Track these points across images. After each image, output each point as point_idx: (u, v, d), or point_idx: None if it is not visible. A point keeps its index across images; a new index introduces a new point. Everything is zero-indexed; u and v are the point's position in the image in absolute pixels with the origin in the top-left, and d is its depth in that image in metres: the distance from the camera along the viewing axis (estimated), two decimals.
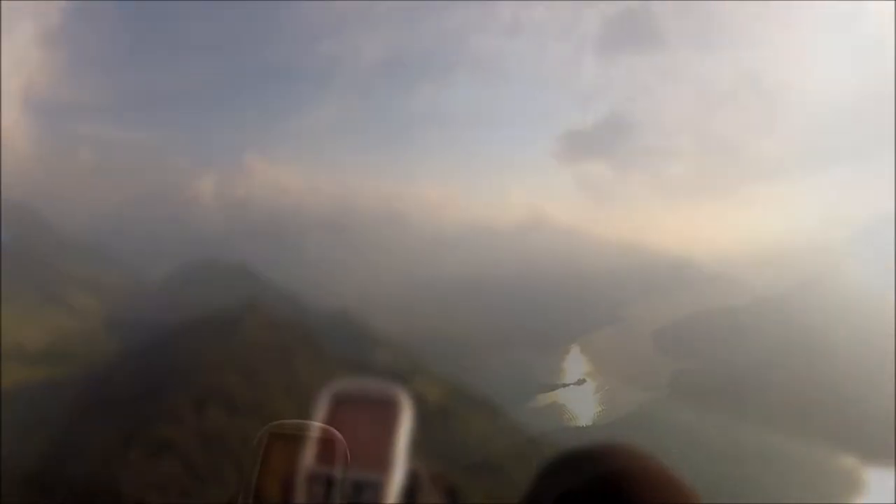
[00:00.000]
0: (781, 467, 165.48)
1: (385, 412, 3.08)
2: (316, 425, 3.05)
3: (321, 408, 3.09)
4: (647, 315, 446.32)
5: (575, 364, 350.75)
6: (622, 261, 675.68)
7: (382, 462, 2.96)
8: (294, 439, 3.00)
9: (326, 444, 3.00)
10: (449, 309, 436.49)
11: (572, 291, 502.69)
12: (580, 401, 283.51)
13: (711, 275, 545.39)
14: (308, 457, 2.96)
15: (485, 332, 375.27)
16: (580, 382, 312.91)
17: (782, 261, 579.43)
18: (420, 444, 3.06)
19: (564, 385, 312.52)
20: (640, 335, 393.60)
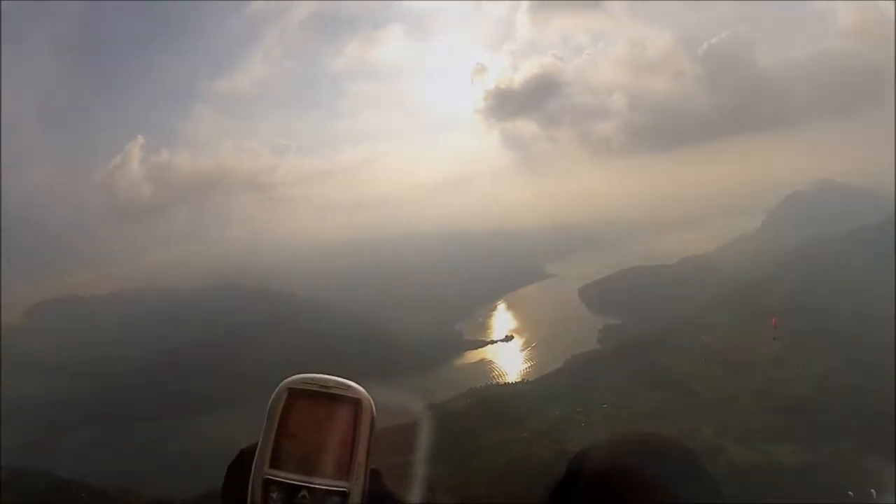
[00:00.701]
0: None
1: (348, 412, 2.96)
2: (337, 380, 3.00)
3: (276, 405, 2.93)
4: (574, 272, 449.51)
5: (502, 321, 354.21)
6: (549, 218, 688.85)
7: (347, 469, 2.86)
8: (314, 396, 2.94)
9: (349, 402, 2.94)
10: (375, 268, 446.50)
11: (499, 249, 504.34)
12: (508, 357, 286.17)
13: (639, 233, 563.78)
14: (328, 417, 2.91)
15: (411, 290, 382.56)
16: (508, 339, 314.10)
17: (712, 220, 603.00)
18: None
19: (493, 342, 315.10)
20: (567, 291, 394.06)
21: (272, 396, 2.92)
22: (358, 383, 2.73)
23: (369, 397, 2.97)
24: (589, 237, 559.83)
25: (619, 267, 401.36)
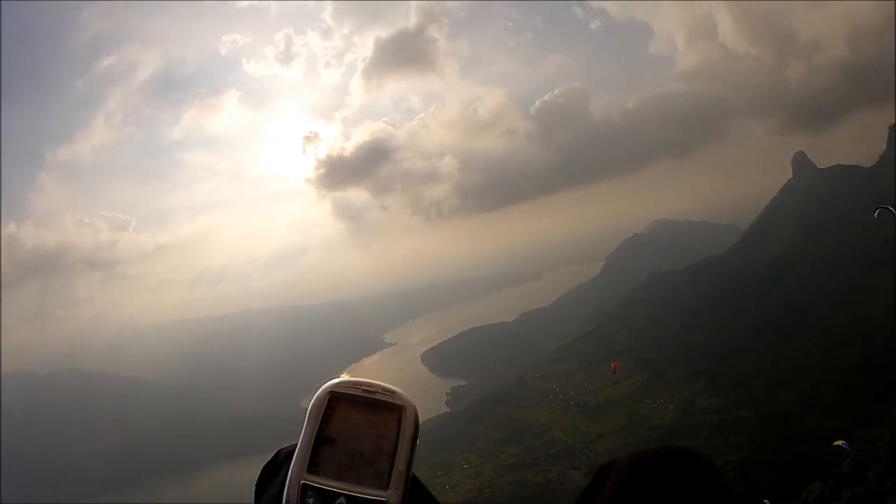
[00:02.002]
0: None
1: (391, 419, 2.80)
2: (382, 385, 2.87)
3: (317, 408, 2.81)
4: (414, 338, 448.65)
5: None
6: (384, 286, 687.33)
7: (387, 478, 2.72)
8: (357, 401, 2.81)
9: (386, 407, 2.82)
10: (218, 347, 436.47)
11: (338, 320, 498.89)
12: None
13: (476, 293, 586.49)
14: (370, 423, 2.78)
15: (254, 368, 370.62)
16: None
17: (549, 274, 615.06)
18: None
19: None
20: (409, 359, 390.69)
21: (313, 399, 2.81)
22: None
23: (414, 405, 2.82)
24: (425, 302, 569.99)
25: (459, 329, 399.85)
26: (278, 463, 3.00)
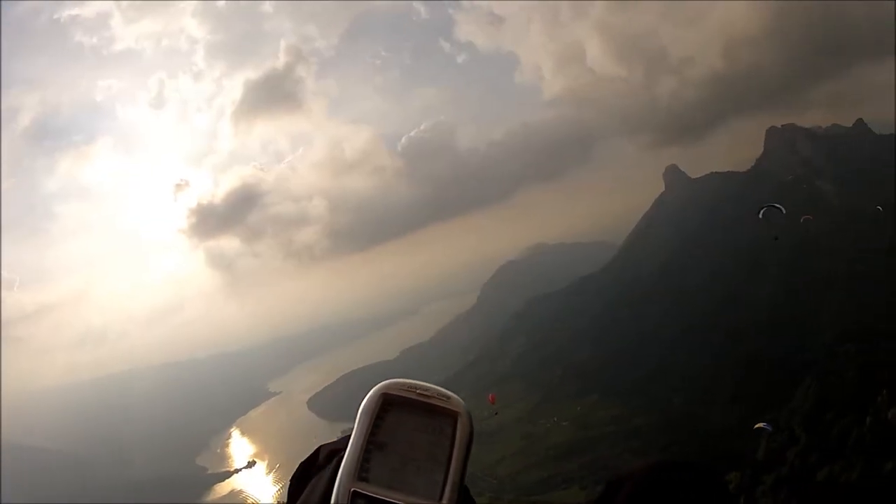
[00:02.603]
0: None
1: (446, 426, 2.65)
2: (438, 389, 2.70)
3: (369, 410, 2.63)
4: (298, 385, 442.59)
5: (241, 448, 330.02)
6: (263, 335, 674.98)
7: (441, 488, 2.57)
8: (411, 405, 2.65)
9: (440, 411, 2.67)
10: (107, 410, 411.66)
11: (221, 373, 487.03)
12: (257, 483, 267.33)
13: (355, 334, 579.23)
14: (424, 428, 2.63)
15: (145, 429, 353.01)
16: (251, 465, 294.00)
17: (426, 308, 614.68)
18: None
19: (237, 470, 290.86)
20: (296, 406, 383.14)
21: (364, 400, 2.63)
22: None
23: (469, 412, 2.66)
24: (306, 348, 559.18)
25: (341, 372, 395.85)
26: (319, 462, 2.88)
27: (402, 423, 2.60)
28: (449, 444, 2.58)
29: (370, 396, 2.64)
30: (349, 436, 2.63)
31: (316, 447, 2.97)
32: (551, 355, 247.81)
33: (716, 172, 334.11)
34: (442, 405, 2.65)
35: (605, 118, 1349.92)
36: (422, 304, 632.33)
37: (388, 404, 2.62)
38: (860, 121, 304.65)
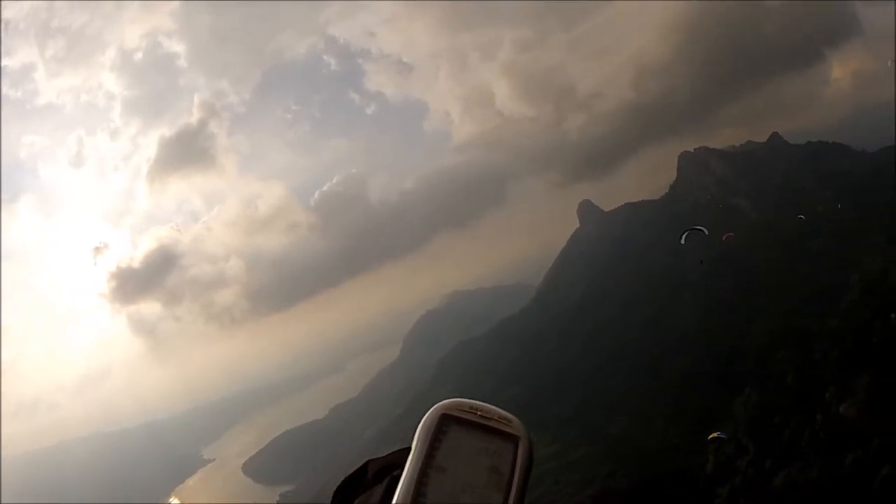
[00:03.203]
0: None
1: (506, 450, 2.50)
2: (499, 412, 2.60)
3: (427, 431, 2.51)
4: (231, 450, 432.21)
5: None
6: (192, 401, 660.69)
7: None
8: (471, 426, 2.53)
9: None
10: (38, 486, 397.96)
11: (153, 442, 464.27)
12: None
13: (283, 395, 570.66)
14: (484, 452, 2.49)
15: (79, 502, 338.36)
16: None
17: (351, 364, 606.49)
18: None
19: None
20: (231, 471, 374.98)
21: (423, 420, 2.53)
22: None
23: (530, 436, 2.55)
24: (236, 411, 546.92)
25: (272, 434, 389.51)
26: (368, 478, 2.76)
27: (461, 445, 2.48)
28: (509, 470, 2.43)
29: (429, 416, 2.53)
30: (400, 451, 2.57)
31: (364, 461, 2.85)
32: (484, 395, 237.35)
33: (629, 203, 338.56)
34: (503, 428, 2.52)
35: (516, 159, 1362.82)
36: (346, 360, 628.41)
37: (446, 425, 2.51)
38: (775, 134, 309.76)
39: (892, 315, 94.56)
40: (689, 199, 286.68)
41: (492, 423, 2.50)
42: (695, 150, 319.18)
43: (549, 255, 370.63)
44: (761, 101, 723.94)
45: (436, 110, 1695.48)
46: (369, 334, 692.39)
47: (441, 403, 2.57)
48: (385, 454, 2.74)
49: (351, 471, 2.81)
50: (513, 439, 2.48)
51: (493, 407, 2.58)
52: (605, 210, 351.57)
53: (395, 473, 2.49)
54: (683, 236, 63.61)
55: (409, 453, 2.46)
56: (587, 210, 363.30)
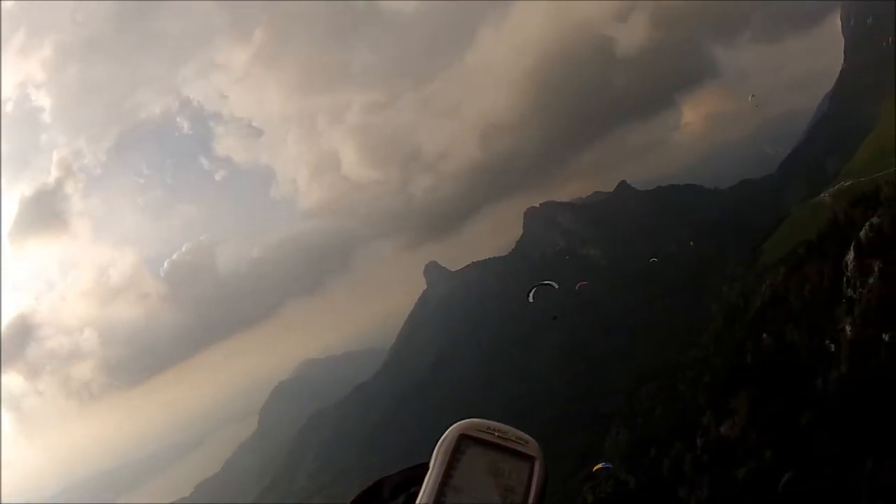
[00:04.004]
0: None
1: (522, 471, 2.48)
2: (516, 432, 2.54)
3: (445, 451, 2.51)
4: None
5: None
6: (59, 481, 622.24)
7: None
8: (488, 446, 2.51)
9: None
10: None
11: None
12: None
13: (143, 473, 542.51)
14: (500, 472, 2.48)
15: None
16: None
17: (211, 437, 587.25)
18: None
19: None
20: None
21: (441, 440, 2.52)
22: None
23: (543, 456, 2.50)
24: (99, 495, 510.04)
25: None
26: (383, 497, 2.70)
27: (479, 464, 2.49)
28: (524, 490, 2.44)
29: (447, 436, 2.53)
30: (412, 468, 2.58)
31: (376, 480, 2.76)
32: (343, 468, 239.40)
33: (476, 261, 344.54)
34: (519, 449, 2.50)
35: (363, 223, 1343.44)
36: (206, 434, 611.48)
37: (465, 445, 2.51)
38: (623, 182, 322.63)
39: (764, 335, 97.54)
40: (536, 252, 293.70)
41: (509, 444, 2.49)
42: (540, 204, 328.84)
43: (398, 318, 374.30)
44: (608, 151, 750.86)
45: (283, 176, 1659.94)
46: (227, 407, 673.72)
47: (459, 423, 2.56)
48: (398, 471, 2.68)
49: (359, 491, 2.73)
50: (529, 459, 2.48)
51: (510, 427, 2.53)
52: (452, 270, 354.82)
53: (412, 491, 2.51)
54: (531, 293, 62.17)
55: (423, 471, 2.48)
56: (434, 271, 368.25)
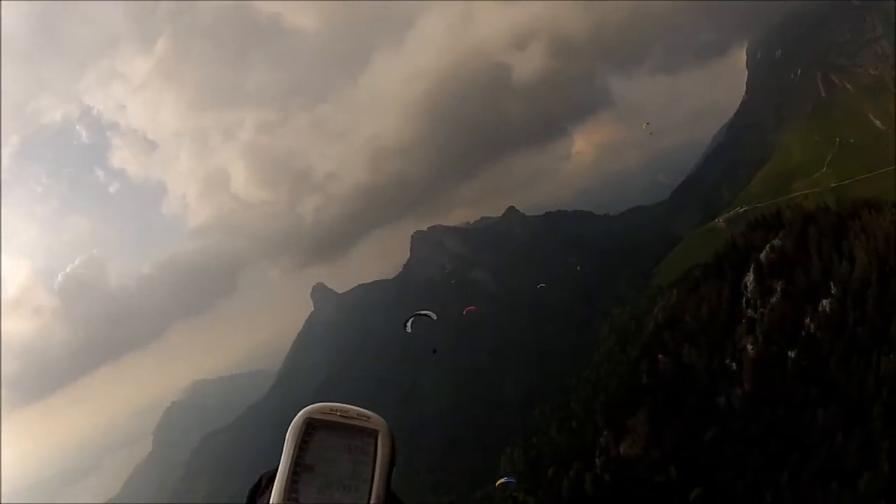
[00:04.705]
0: None
1: (367, 444, 2.72)
2: (358, 410, 2.78)
3: (294, 435, 2.72)
4: None
5: None
6: None
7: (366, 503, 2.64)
8: (334, 427, 2.74)
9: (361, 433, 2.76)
10: None
11: None
12: None
13: (49, 495, 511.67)
14: (347, 448, 2.71)
15: None
16: None
17: (109, 460, 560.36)
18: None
19: None
20: None
21: (291, 426, 2.74)
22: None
23: (389, 427, 2.74)
24: None
25: None
26: (262, 487, 2.89)
27: (327, 444, 2.67)
28: (371, 462, 2.64)
29: (295, 422, 2.71)
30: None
31: (259, 476, 2.99)
32: (239, 490, 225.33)
33: (363, 284, 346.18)
34: (363, 425, 2.70)
35: (250, 243, 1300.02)
36: (103, 455, 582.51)
37: (312, 428, 2.68)
38: (511, 208, 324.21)
39: (660, 356, 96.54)
40: (423, 276, 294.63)
41: (353, 421, 2.68)
42: (428, 228, 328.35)
43: (286, 339, 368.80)
44: (498, 178, 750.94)
45: (174, 192, 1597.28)
46: (122, 428, 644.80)
47: (306, 409, 2.70)
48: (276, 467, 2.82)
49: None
50: (373, 434, 2.67)
51: (352, 406, 2.72)
52: (340, 292, 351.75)
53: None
54: (408, 323, 58.26)
55: None
56: (321, 293, 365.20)
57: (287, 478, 2.60)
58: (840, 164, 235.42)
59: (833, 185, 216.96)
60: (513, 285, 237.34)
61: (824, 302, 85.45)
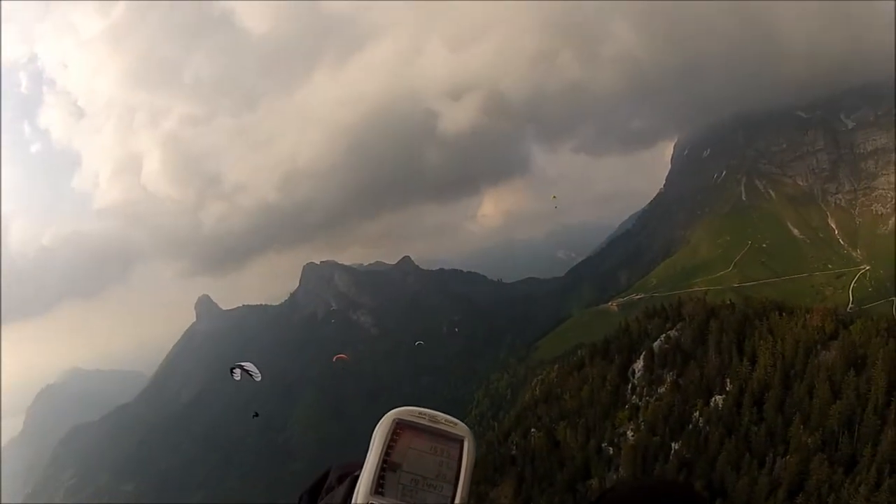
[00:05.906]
0: None
1: (453, 449, 2.78)
2: (446, 417, 2.86)
3: (382, 434, 2.74)
4: None
5: None
6: None
7: (449, 502, 2.68)
8: (421, 430, 2.78)
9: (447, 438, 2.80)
10: None
11: None
12: None
13: None
14: (433, 451, 2.76)
15: None
16: None
17: None
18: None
19: None
20: None
21: (378, 425, 2.76)
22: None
23: (473, 437, 2.82)
24: None
25: None
26: (329, 484, 2.96)
27: (413, 446, 2.72)
28: (456, 465, 2.71)
29: (383, 421, 2.75)
30: (361, 461, 2.74)
31: (325, 469, 3.05)
32: (97, 490, 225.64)
33: (248, 304, 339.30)
34: (449, 430, 2.78)
35: (148, 239, 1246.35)
36: None
37: (400, 428, 2.74)
38: (406, 258, 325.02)
39: (532, 430, 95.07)
40: (308, 309, 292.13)
41: (440, 426, 2.75)
42: (321, 262, 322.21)
43: (164, 344, 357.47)
44: (401, 224, 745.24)
45: (88, 167, 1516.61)
46: None
47: (394, 410, 2.76)
48: (346, 462, 2.94)
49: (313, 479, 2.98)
50: (458, 439, 2.74)
51: (440, 413, 2.80)
52: (224, 308, 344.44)
53: (356, 474, 2.71)
54: (233, 370, 53.51)
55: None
56: (205, 305, 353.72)
57: (375, 473, 2.63)
58: (747, 266, 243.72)
59: (735, 284, 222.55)
60: (395, 334, 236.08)
61: (718, 398, 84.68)
